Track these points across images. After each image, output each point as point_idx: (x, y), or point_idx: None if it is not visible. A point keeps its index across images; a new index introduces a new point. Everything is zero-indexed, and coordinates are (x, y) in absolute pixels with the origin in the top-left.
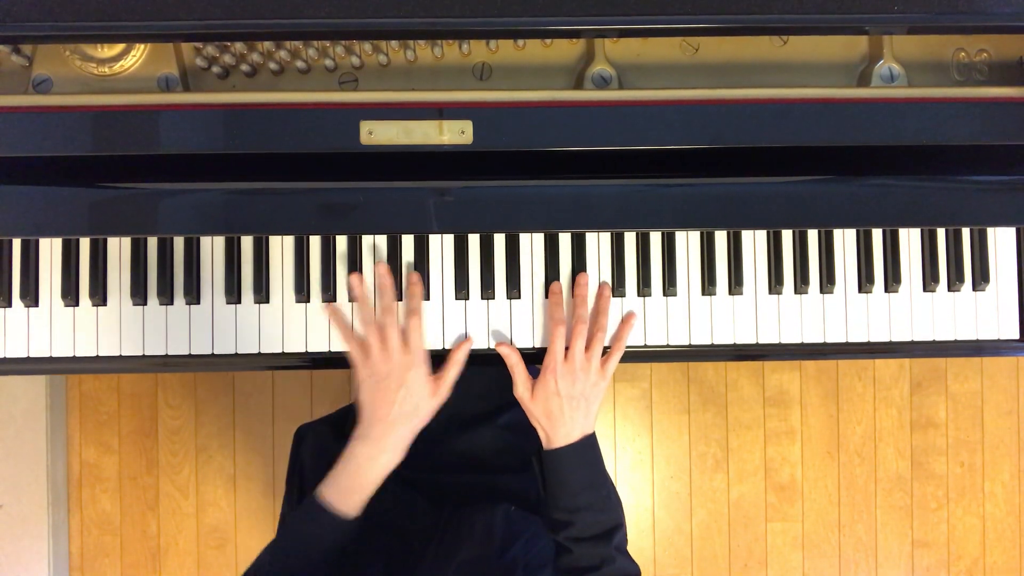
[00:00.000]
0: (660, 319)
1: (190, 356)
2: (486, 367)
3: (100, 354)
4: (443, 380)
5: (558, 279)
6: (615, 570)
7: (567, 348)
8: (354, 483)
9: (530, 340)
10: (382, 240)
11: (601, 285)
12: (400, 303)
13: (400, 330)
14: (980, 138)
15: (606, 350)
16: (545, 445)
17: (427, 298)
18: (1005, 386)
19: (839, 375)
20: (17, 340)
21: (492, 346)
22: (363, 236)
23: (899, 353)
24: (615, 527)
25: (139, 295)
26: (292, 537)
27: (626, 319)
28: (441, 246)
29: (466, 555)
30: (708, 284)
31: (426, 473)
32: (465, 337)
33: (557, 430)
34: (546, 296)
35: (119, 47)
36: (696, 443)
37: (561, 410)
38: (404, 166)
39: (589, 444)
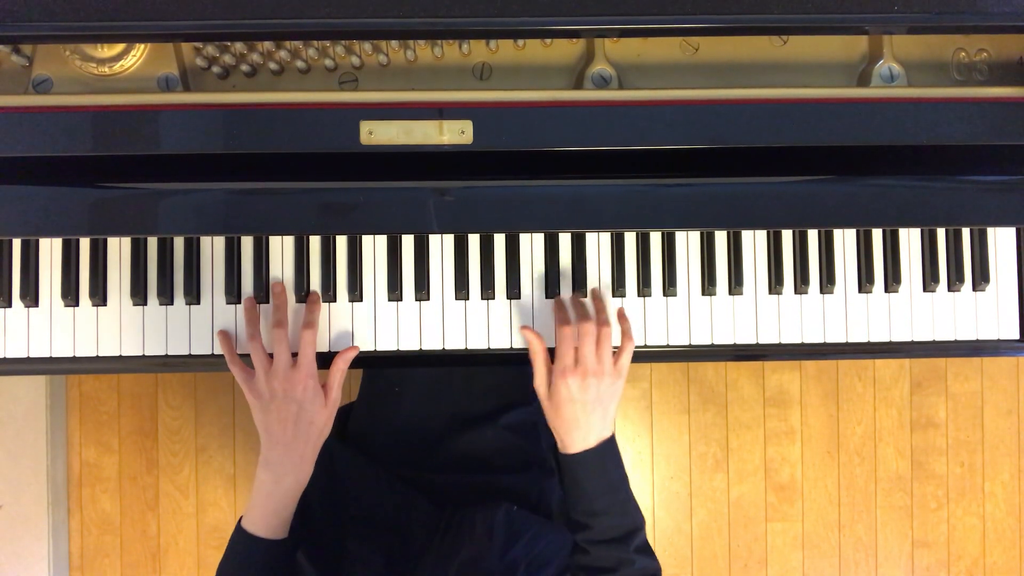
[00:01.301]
0: (660, 319)
1: (190, 356)
2: (487, 367)
3: (100, 354)
4: (330, 387)
5: (558, 279)
6: (633, 572)
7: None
8: (269, 509)
9: None
10: (382, 240)
11: (592, 290)
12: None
13: (288, 345)
14: (980, 138)
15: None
16: (561, 449)
17: (427, 298)
18: (1005, 386)
19: (839, 375)
20: (17, 340)
21: (493, 345)
22: (363, 236)
23: (899, 353)
24: (634, 530)
25: (139, 295)
26: (230, 570)
27: (620, 313)
28: (441, 246)
29: (467, 555)
30: (708, 284)
31: (427, 473)
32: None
33: (573, 435)
34: (546, 296)
35: (119, 47)
36: (696, 443)
37: (576, 416)
38: (404, 166)
39: (607, 449)
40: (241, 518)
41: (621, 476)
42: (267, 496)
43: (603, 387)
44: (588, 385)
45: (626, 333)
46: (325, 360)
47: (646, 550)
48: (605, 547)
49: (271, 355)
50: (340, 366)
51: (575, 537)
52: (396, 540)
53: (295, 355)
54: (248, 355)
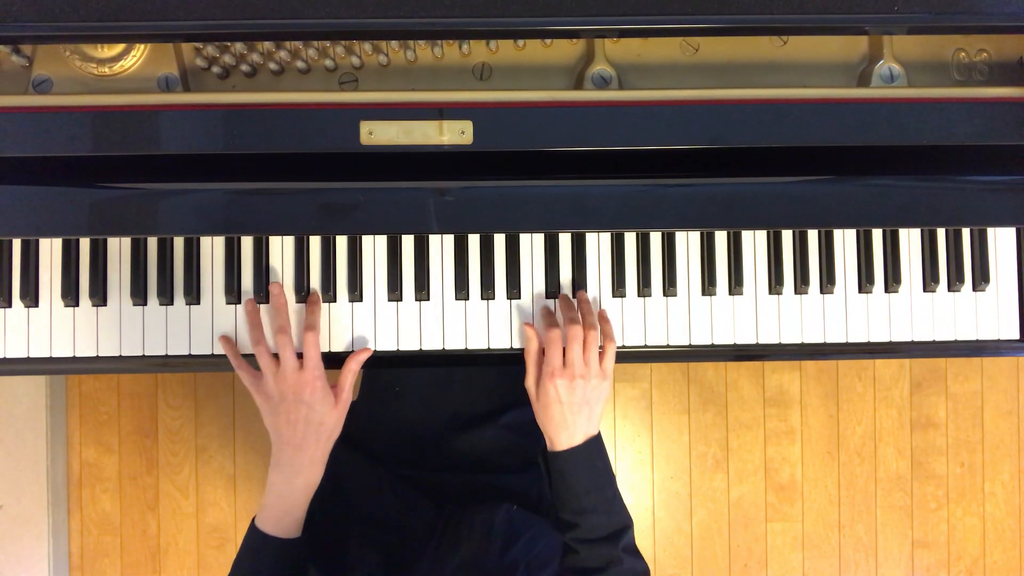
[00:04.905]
0: (660, 319)
1: (190, 356)
2: (486, 367)
3: (100, 354)
4: (341, 388)
5: (558, 279)
6: (622, 571)
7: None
8: (280, 509)
9: None
10: (382, 240)
11: (579, 293)
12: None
13: (293, 348)
14: (980, 138)
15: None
16: (549, 447)
17: (427, 298)
18: (1005, 386)
19: (839, 375)
20: (17, 340)
21: (493, 345)
22: (363, 236)
23: (899, 353)
24: (622, 529)
25: (139, 295)
26: (244, 569)
27: (601, 315)
28: (441, 246)
29: (465, 555)
30: (708, 284)
31: (428, 472)
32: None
33: (559, 434)
34: (546, 296)
35: (119, 47)
36: (696, 443)
37: (563, 416)
38: (404, 166)
39: (593, 447)
40: (255, 518)
41: (608, 473)
42: (279, 496)
43: (589, 388)
44: (575, 387)
45: (608, 335)
46: (336, 360)
47: (634, 551)
48: (594, 546)
49: (276, 356)
50: (352, 367)
51: (564, 538)
52: (396, 540)
53: (299, 356)
54: (253, 355)
